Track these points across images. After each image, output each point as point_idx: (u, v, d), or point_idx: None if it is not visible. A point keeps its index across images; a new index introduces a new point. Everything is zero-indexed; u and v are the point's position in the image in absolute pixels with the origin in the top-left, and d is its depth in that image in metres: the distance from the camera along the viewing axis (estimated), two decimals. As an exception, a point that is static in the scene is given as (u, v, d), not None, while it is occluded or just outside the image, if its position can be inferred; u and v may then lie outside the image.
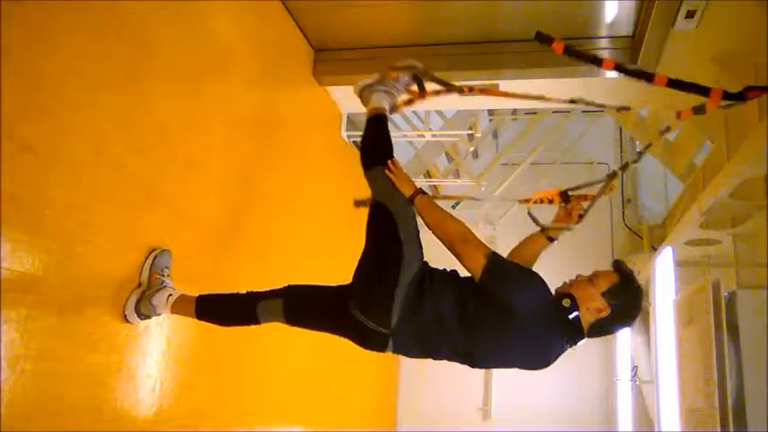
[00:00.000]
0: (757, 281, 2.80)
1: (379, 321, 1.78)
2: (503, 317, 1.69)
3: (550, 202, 2.00)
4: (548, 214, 1.99)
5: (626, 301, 1.75)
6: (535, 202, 2.00)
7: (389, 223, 1.85)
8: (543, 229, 1.93)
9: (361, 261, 1.90)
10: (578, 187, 2.02)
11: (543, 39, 1.75)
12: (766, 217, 2.69)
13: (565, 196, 1.97)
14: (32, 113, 1.59)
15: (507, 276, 1.72)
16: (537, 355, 1.75)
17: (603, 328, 1.75)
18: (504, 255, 1.88)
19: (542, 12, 2.99)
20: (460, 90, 2.08)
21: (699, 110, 1.70)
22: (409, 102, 2.15)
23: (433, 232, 1.82)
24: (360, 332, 1.83)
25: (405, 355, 1.89)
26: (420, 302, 1.77)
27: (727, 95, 1.60)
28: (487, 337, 1.74)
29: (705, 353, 2.81)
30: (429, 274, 1.84)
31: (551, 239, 1.94)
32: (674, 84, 1.62)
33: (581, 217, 1.94)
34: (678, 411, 3.35)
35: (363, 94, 2.09)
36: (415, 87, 2.11)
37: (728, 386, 2.62)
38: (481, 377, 5.64)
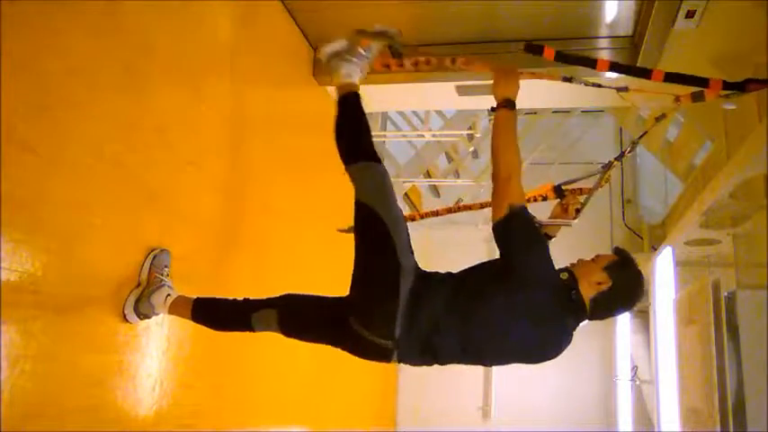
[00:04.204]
0: (757, 281, 2.81)
1: (381, 334, 1.72)
2: (504, 290, 1.65)
3: (544, 199, 1.99)
4: (545, 211, 1.98)
5: (627, 276, 1.74)
6: (528, 201, 1.97)
7: (380, 228, 1.74)
8: (541, 227, 1.87)
9: (356, 273, 1.79)
10: (571, 181, 2.01)
11: (533, 50, 1.74)
12: (766, 217, 2.69)
13: (558, 191, 1.95)
14: (32, 113, 1.59)
15: (521, 233, 1.66)
16: (544, 338, 1.70)
17: (605, 305, 1.72)
18: None
19: (542, 12, 2.99)
20: (451, 61, 1.98)
21: (697, 96, 1.69)
22: (386, 66, 2.05)
23: (492, 152, 1.76)
24: (361, 346, 1.78)
25: (410, 364, 1.82)
26: (419, 311, 1.71)
27: (726, 85, 1.60)
28: (487, 324, 1.68)
29: (705, 353, 2.81)
30: (424, 281, 1.76)
31: (549, 237, 1.91)
32: (671, 78, 1.62)
33: (578, 211, 1.92)
34: (678, 411, 3.35)
35: (332, 63, 1.97)
36: (388, 55, 2.01)
37: (728, 386, 2.63)
38: (481, 377, 5.64)
